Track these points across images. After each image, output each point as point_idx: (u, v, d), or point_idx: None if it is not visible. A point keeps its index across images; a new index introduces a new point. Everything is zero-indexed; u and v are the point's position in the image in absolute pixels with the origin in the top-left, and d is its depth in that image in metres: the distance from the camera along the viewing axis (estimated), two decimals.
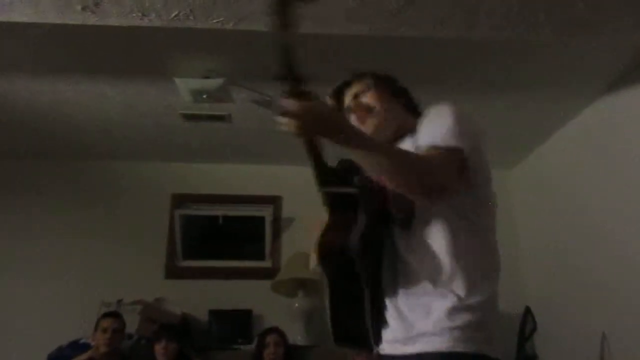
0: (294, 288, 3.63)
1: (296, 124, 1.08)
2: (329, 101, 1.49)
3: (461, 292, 1.14)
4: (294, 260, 3.60)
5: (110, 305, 3.53)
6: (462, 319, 1.13)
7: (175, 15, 2.23)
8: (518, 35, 2.43)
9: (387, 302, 1.26)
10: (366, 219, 1.21)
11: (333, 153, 1.23)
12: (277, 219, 4.09)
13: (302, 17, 1.09)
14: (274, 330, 3.37)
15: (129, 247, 3.85)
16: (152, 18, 2.24)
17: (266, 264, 4.02)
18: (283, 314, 3.62)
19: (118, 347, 3.18)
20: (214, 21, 2.27)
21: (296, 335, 3.55)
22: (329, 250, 1.25)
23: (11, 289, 3.67)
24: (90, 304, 3.49)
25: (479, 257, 1.20)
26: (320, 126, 1.12)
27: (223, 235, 4.14)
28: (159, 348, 3.13)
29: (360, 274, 1.22)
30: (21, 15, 2.20)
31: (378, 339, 1.27)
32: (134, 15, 2.22)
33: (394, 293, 1.24)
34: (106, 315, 3.20)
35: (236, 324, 3.72)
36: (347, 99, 1.46)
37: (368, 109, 1.40)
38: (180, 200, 4.09)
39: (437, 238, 1.19)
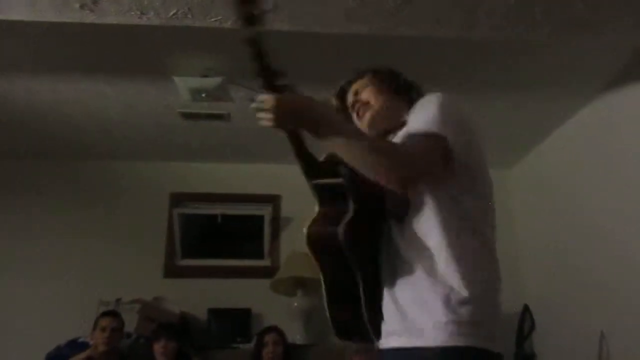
0: (293, 287, 3.64)
1: (270, 117, 1.10)
2: (333, 102, 1.49)
3: (458, 286, 1.13)
4: (292, 259, 3.60)
5: (109, 304, 3.52)
6: (460, 313, 1.11)
7: (174, 14, 2.23)
8: (517, 35, 2.43)
9: (386, 296, 1.25)
10: (354, 207, 1.19)
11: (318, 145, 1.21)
12: (276, 218, 4.09)
13: (269, 12, 1.09)
14: (273, 329, 3.37)
15: (128, 246, 3.85)
16: (151, 16, 2.24)
17: (265, 262, 4.03)
18: (282, 312, 3.62)
19: (117, 346, 3.16)
20: (212, 19, 2.27)
21: (295, 334, 3.55)
22: (317, 241, 1.23)
23: (11, 288, 3.67)
24: (89, 303, 3.49)
25: (476, 252, 1.19)
26: (293, 117, 1.13)
27: (222, 234, 4.14)
28: (157, 347, 3.13)
29: (352, 265, 1.19)
30: (19, 13, 2.20)
31: (378, 333, 1.27)
32: (132, 13, 2.22)
33: (392, 287, 1.23)
34: (105, 314, 3.19)
35: (235, 322, 3.72)
36: (350, 97, 1.46)
37: (365, 105, 1.40)
38: (178, 199, 4.09)
39: (433, 233, 1.18)
